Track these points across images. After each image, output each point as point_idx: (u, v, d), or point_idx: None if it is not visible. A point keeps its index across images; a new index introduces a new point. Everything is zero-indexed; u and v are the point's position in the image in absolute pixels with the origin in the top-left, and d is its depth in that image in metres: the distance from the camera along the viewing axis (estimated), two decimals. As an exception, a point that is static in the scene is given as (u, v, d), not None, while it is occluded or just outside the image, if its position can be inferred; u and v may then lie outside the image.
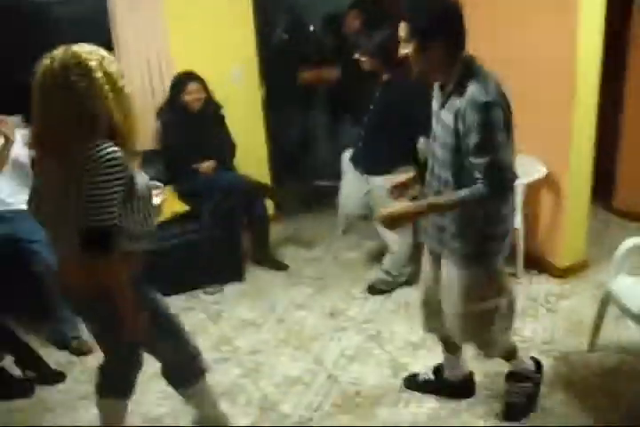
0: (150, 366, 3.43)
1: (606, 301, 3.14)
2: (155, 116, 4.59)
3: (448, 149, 2.36)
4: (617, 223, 5.04)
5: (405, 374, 3.22)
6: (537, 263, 4.28)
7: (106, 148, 1.92)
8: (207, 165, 4.41)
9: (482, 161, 2.24)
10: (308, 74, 5.66)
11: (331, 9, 5.57)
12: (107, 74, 1.96)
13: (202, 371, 2.58)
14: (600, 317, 3.23)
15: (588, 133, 3.89)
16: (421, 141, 3.01)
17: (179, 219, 4.19)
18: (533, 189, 4.10)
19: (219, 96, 4.50)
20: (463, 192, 2.30)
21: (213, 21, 4.72)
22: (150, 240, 2.22)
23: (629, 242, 3.13)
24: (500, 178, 2.27)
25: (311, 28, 6.39)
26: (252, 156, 5.02)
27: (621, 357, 3.27)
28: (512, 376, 2.90)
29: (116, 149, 1.93)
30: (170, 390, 3.17)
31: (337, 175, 4.54)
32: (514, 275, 4.19)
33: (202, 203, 4.29)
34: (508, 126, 2.31)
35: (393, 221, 2.42)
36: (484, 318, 2.59)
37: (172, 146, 4.40)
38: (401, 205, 2.46)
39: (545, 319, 3.69)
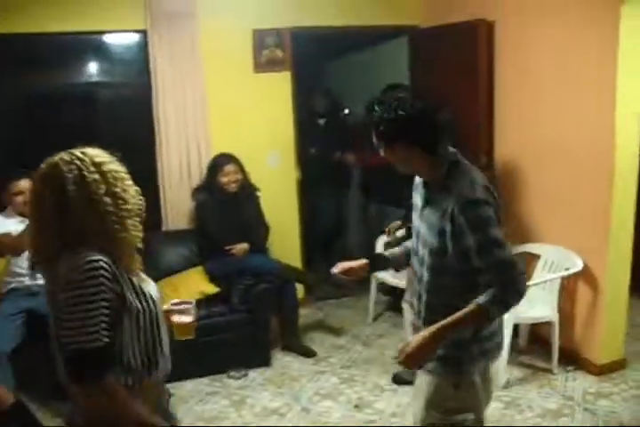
0: None
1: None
2: (190, 195, 4.65)
3: (430, 250, 2.23)
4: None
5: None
6: (572, 359, 4.13)
7: (85, 257, 1.68)
8: (240, 248, 4.41)
9: (489, 260, 2.10)
10: (345, 156, 5.83)
11: (365, 94, 5.69)
12: (85, 185, 1.73)
13: None
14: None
15: (626, 227, 3.82)
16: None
17: (208, 300, 4.15)
18: (570, 282, 4.01)
19: (255, 178, 4.55)
20: (479, 300, 2.09)
21: (252, 103, 4.84)
22: (165, 371, 1.93)
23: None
24: (513, 276, 2.10)
25: (346, 112, 6.52)
26: (285, 238, 5.02)
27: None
28: None
29: (98, 257, 1.68)
30: None
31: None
32: (549, 370, 4.05)
33: (232, 285, 4.27)
34: (498, 223, 2.19)
35: (415, 361, 2.16)
36: None
37: (206, 226, 4.43)
38: (418, 339, 2.14)
39: (582, 421, 3.51)
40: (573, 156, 3.93)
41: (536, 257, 4.22)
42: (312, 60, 6.22)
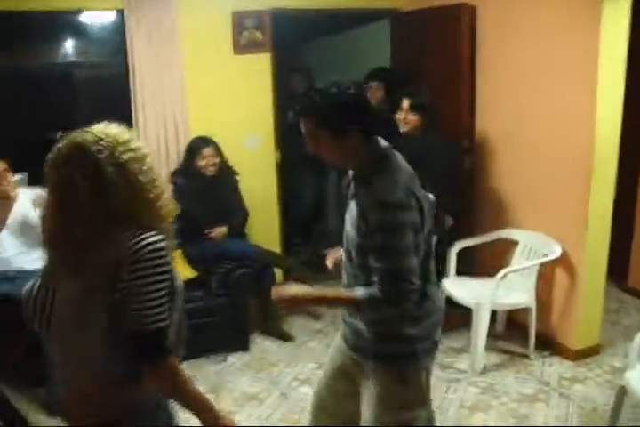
0: None
1: (623, 392, 3.02)
2: (168, 179, 4.59)
3: (352, 243, 2.19)
4: (632, 304, 4.94)
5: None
6: (549, 344, 4.17)
7: (148, 237, 1.63)
8: (219, 231, 4.38)
9: (379, 266, 2.07)
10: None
11: (346, 76, 5.64)
12: (120, 165, 1.67)
13: None
14: (617, 409, 3.10)
15: (605, 213, 3.84)
16: None
17: (186, 284, 4.09)
18: (548, 268, 4.03)
19: (234, 161, 4.51)
20: (360, 291, 2.11)
21: (231, 84, 4.78)
22: (182, 348, 1.87)
23: (646, 331, 3.03)
24: (397, 288, 2.06)
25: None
26: (265, 222, 5.00)
27: (638, 450, 3.13)
28: None
29: (159, 237, 1.65)
30: None
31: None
32: (525, 355, 4.09)
33: (211, 269, 4.25)
34: (416, 229, 2.09)
35: (290, 304, 2.22)
36: None
37: (184, 210, 4.37)
38: (299, 289, 2.21)
39: (558, 406, 3.55)
40: (554, 142, 3.93)
41: (515, 243, 4.24)
42: (292, 42, 6.15)
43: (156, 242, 1.64)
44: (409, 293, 2.08)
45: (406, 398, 2.30)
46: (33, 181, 3.91)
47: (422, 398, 2.34)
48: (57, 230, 1.71)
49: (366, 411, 2.35)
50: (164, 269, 1.64)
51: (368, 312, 2.18)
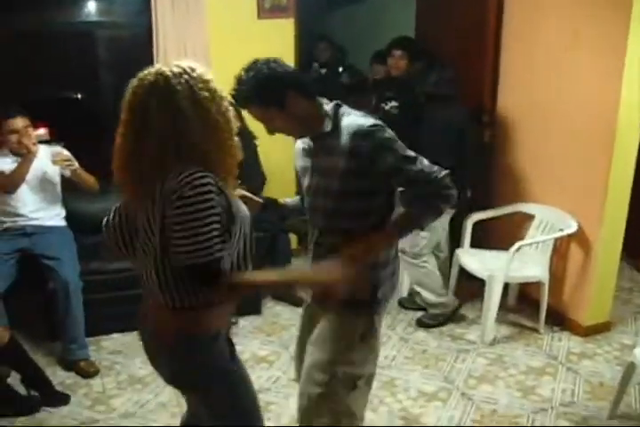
0: (158, 395, 3.41)
1: (632, 368, 3.03)
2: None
3: (334, 196, 2.20)
4: (645, 284, 4.94)
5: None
6: (560, 319, 4.18)
7: (193, 173, 1.68)
8: (235, 193, 4.38)
9: (409, 177, 2.12)
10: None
11: (370, 45, 5.60)
12: (196, 101, 1.74)
13: None
14: (624, 383, 3.11)
15: (624, 190, 3.81)
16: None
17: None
18: (563, 243, 4.03)
19: (253, 126, 4.49)
20: (412, 211, 2.18)
21: (254, 50, 4.74)
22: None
23: (659, 308, 3.04)
24: (441, 181, 2.14)
25: (340, 70, 6.40)
26: (281, 188, 4.99)
27: (642, 426, 3.16)
28: None
29: (205, 173, 1.69)
30: (172, 422, 3.19)
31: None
32: (535, 329, 4.10)
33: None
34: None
35: (363, 256, 2.14)
36: (350, 385, 2.31)
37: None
38: (368, 239, 2.17)
39: (565, 380, 3.57)
40: (576, 119, 3.89)
41: (531, 217, 4.23)
42: (317, 8, 6.10)
43: (201, 177, 1.68)
44: (443, 181, 2.15)
45: (362, 353, 2.31)
46: (53, 137, 3.93)
47: (374, 355, 2.36)
48: (125, 157, 1.79)
49: (315, 357, 2.34)
50: (207, 204, 1.67)
51: (429, 222, 2.22)
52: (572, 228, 3.88)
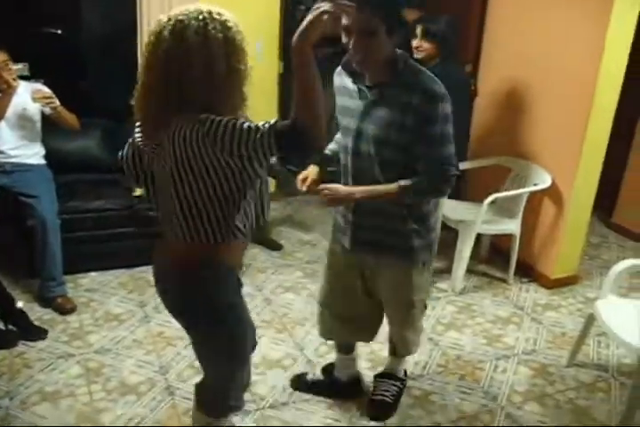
0: (133, 333, 3.49)
1: (591, 320, 3.15)
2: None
3: (393, 147, 2.28)
4: (614, 239, 5.06)
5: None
6: (528, 271, 4.30)
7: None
8: None
9: (431, 155, 2.26)
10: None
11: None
12: (206, 40, 1.77)
13: (237, 407, 2.34)
14: (584, 334, 3.24)
15: (599, 148, 3.87)
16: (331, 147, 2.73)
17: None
18: (536, 197, 4.10)
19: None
20: (402, 181, 2.28)
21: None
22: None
23: (624, 263, 3.13)
24: (446, 172, 2.30)
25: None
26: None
27: (598, 374, 3.29)
28: (384, 376, 3.01)
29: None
30: (146, 359, 3.25)
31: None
32: (504, 280, 4.22)
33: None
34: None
35: (336, 199, 2.38)
36: (419, 308, 2.72)
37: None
38: (345, 188, 2.39)
39: (529, 329, 3.70)
40: (558, 77, 3.91)
41: (507, 170, 4.28)
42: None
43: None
44: (453, 176, 2.32)
45: (424, 282, 2.66)
46: (33, 73, 3.88)
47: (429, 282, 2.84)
48: (145, 97, 1.84)
49: (389, 296, 2.67)
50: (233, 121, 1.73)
51: (411, 199, 2.36)
52: (547, 182, 3.95)
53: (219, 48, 1.77)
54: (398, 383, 2.99)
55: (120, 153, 2.07)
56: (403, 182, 2.28)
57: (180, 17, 1.75)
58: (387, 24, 2.09)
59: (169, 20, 1.76)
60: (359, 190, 2.36)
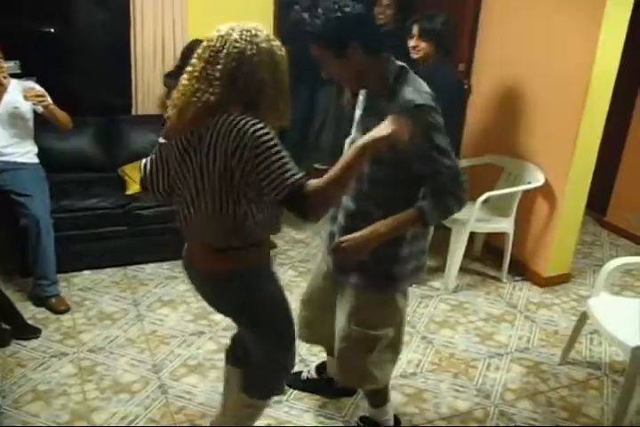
0: (127, 331, 3.49)
1: (584, 317, 3.16)
2: (162, 81, 4.57)
3: (379, 162, 2.13)
4: (607, 238, 5.08)
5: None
6: (522, 270, 4.31)
7: (244, 118, 1.86)
8: None
9: (433, 168, 2.10)
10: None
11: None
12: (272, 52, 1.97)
13: (280, 390, 2.42)
14: (576, 332, 3.25)
15: (592, 146, 3.88)
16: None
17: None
18: (529, 196, 4.11)
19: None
20: (422, 204, 2.14)
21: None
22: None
23: (615, 262, 3.15)
24: (458, 181, 2.14)
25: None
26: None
27: (590, 372, 3.31)
28: (365, 420, 2.78)
29: (258, 120, 1.88)
30: (140, 357, 3.25)
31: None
32: (498, 279, 4.23)
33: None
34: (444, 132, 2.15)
35: (353, 251, 2.18)
36: (365, 344, 2.43)
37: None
38: (358, 234, 2.18)
39: (522, 327, 3.71)
40: (551, 76, 3.93)
41: (500, 169, 4.30)
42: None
43: (258, 123, 1.86)
44: (464, 186, 2.17)
45: (379, 318, 2.41)
46: (25, 71, 3.87)
47: (394, 320, 2.45)
48: (188, 97, 1.92)
49: (339, 318, 2.47)
50: (274, 141, 1.85)
51: (435, 219, 2.18)
52: (540, 181, 3.96)
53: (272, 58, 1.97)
54: None
55: (144, 162, 2.13)
56: (420, 203, 2.15)
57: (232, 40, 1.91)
58: (332, 50, 2.10)
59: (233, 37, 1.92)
60: (371, 233, 2.16)
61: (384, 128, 1.90)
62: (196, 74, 1.92)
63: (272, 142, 1.84)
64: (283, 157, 1.84)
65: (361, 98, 2.37)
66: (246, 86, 1.90)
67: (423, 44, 3.72)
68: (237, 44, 1.89)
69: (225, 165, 1.88)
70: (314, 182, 1.85)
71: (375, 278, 2.34)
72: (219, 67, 1.88)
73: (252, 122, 1.85)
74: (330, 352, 2.82)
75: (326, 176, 1.87)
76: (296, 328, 2.39)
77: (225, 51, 1.88)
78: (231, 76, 1.88)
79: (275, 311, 2.21)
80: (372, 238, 2.16)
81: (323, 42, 2.09)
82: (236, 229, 1.99)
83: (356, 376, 2.55)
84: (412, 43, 3.75)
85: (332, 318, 2.54)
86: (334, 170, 1.88)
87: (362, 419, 2.81)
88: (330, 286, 2.54)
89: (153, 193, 2.13)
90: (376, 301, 2.38)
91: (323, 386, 3.04)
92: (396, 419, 2.81)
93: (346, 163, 1.88)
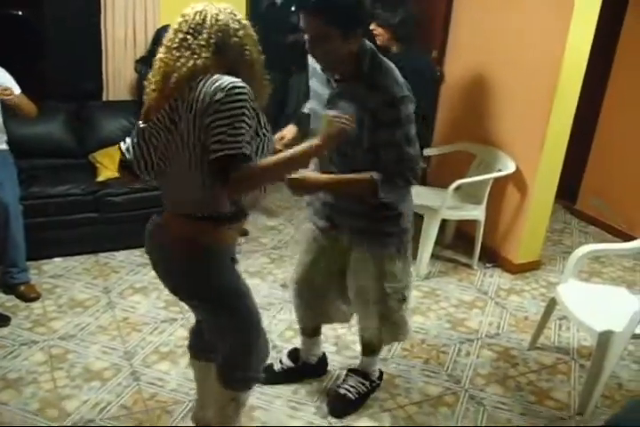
0: (98, 319, 3.46)
1: (553, 303, 3.21)
2: (133, 66, 4.53)
3: (351, 142, 2.21)
4: (576, 225, 5.14)
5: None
6: (492, 256, 4.36)
7: (230, 80, 1.83)
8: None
9: (396, 156, 2.24)
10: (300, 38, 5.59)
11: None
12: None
13: (257, 378, 2.35)
14: (545, 318, 3.30)
15: (562, 135, 3.92)
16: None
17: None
18: (500, 183, 4.14)
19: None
20: (375, 175, 2.24)
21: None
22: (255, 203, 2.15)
23: (583, 248, 3.19)
24: (413, 171, 2.28)
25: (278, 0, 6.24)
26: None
27: (559, 356, 3.36)
28: (357, 372, 2.94)
29: (242, 83, 1.84)
30: (111, 345, 3.23)
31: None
32: (469, 266, 4.27)
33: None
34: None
35: (301, 188, 2.25)
36: (398, 297, 2.64)
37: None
38: (315, 174, 2.33)
39: (492, 313, 3.76)
40: (523, 63, 3.96)
41: (472, 156, 4.32)
42: None
43: (238, 85, 1.82)
44: (418, 173, 2.32)
45: (402, 269, 2.60)
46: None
47: (409, 269, 2.66)
48: (165, 69, 1.91)
49: (361, 284, 2.62)
50: (242, 104, 1.81)
51: (383, 193, 2.28)
52: (511, 169, 4.00)
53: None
54: (367, 383, 2.91)
55: (126, 150, 2.08)
56: (375, 175, 2.24)
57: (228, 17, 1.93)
58: (341, 29, 2.11)
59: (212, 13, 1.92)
60: (325, 179, 2.31)
61: (333, 129, 2.01)
62: (175, 45, 1.90)
63: (241, 110, 1.81)
64: (242, 127, 1.80)
65: (317, 67, 2.40)
66: (234, 57, 1.91)
67: (379, 30, 3.76)
68: (220, 17, 1.89)
69: (201, 123, 1.84)
70: (252, 162, 1.85)
71: (385, 237, 2.51)
72: (203, 36, 1.87)
73: (236, 81, 1.83)
74: (316, 332, 2.98)
75: (265, 161, 1.89)
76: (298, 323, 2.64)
77: (208, 23, 1.88)
78: (218, 44, 1.88)
79: (235, 292, 2.16)
80: (323, 184, 2.31)
81: (338, 19, 2.10)
82: (204, 197, 1.96)
83: (399, 331, 2.77)
84: (371, 27, 3.79)
85: (329, 293, 2.77)
86: (276, 158, 1.92)
87: (350, 371, 2.96)
88: (324, 257, 2.67)
89: (142, 174, 2.06)
90: (395, 257, 2.55)
91: (299, 372, 3.04)
92: (380, 372, 3.01)
93: (290, 155, 1.93)
